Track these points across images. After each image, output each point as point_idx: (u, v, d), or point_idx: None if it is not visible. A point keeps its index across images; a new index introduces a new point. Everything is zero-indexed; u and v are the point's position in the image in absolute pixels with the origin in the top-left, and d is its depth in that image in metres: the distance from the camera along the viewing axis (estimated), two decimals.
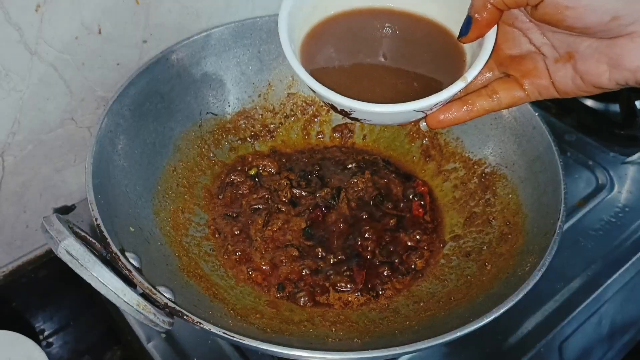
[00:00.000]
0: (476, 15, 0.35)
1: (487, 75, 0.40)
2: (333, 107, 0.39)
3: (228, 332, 0.42)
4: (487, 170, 0.63)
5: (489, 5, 0.34)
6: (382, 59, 0.43)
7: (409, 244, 0.61)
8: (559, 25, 0.33)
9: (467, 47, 0.41)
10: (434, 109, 0.39)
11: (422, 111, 0.39)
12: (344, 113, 0.39)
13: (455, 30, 0.39)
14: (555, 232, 0.49)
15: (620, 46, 0.32)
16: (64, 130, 0.64)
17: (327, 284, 0.56)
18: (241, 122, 0.69)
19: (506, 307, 0.44)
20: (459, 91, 0.38)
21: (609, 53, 0.33)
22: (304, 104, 0.71)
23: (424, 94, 0.38)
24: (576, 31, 0.33)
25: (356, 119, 0.40)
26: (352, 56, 0.43)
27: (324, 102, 0.40)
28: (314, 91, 0.39)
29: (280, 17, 0.40)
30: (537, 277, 0.46)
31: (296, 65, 0.39)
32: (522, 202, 0.58)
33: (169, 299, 0.44)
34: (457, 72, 0.40)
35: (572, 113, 0.83)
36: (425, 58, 0.43)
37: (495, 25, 0.37)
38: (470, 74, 0.37)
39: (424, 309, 0.53)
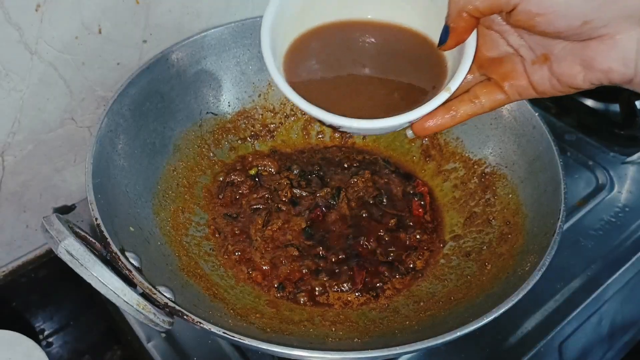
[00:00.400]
0: (453, 24, 0.36)
1: (469, 77, 0.41)
2: (321, 121, 0.40)
3: (228, 332, 0.42)
4: (487, 170, 0.63)
5: (464, 13, 0.35)
6: (367, 72, 0.43)
7: (409, 244, 0.61)
8: (532, 30, 0.34)
9: (448, 54, 0.41)
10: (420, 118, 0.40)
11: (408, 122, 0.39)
12: (332, 127, 0.40)
13: (436, 39, 0.40)
14: (555, 232, 0.49)
15: (592, 48, 0.33)
16: (64, 130, 0.64)
17: (327, 284, 0.56)
18: (241, 122, 0.69)
19: (506, 307, 0.44)
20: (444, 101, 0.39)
21: (581, 55, 0.34)
22: None
23: (410, 104, 0.39)
24: (549, 35, 0.34)
25: (345, 132, 0.40)
26: (337, 70, 0.43)
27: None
28: (302, 109, 0.39)
29: (263, 36, 0.40)
30: (537, 277, 0.46)
31: (283, 85, 0.39)
32: (522, 202, 0.58)
33: (169, 298, 0.44)
34: (440, 79, 0.41)
35: (572, 113, 0.83)
36: (408, 68, 0.43)
37: (475, 34, 0.38)
38: (454, 84, 0.38)
39: (424, 308, 0.53)
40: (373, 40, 0.44)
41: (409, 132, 0.42)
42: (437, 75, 0.41)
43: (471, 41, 0.38)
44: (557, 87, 0.37)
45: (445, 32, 0.37)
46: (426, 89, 0.41)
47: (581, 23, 0.32)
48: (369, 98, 0.42)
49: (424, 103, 0.38)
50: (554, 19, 0.32)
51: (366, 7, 0.44)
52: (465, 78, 0.38)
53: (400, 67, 0.43)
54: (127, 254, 0.46)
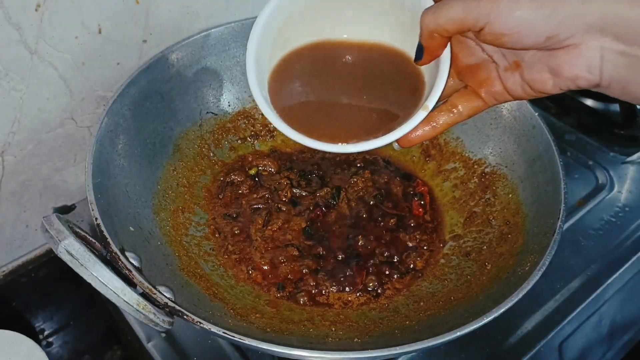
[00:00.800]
0: (425, 43, 0.39)
1: (450, 82, 0.43)
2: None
3: (228, 332, 0.42)
4: (487, 170, 0.63)
5: (435, 34, 0.37)
6: (348, 93, 0.44)
7: (409, 244, 0.61)
8: (502, 46, 0.37)
9: (425, 68, 0.43)
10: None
11: None
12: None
13: (412, 53, 0.41)
14: (555, 231, 0.49)
15: (559, 57, 0.35)
16: (64, 130, 0.64)
17: (327, 284, 0.56)
18: (241, 121, 0.69)
19: (506, 307, 0.44)
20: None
21: (550, 63, 0.36)
22: None
23: (392, 122, 0.41)
24: (518, 49, 0.37)
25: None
26: (320, 93, 0.45)
27: None
28: (294, 140, 0.41)
29: (248, 67, 0.41)
30: (537, 277, 0.46)
31: (274, 118, 0.41)
32: (522, 201, 0.58)
33: (169, 298, 0.44)
34: (418, 94, 0.42)
35: (572, 113, 0.83)
36: (387, 86, 0.44)
37: (449, 50, 0.39)
38: (431, 102, 0.40)
39: (424, 308, 0.53)
40: (352, 59, 0.45)
41: (395, 145, 0.44)
42: (415, 91, 0.43)
43: (445, 56, 0.39)
44: (529, 92, 0.39)
45: (420, 50, 0.40)
46: (406, 105, 0.43)
47: (545, 38, 0.34)
48: (352, 119, 0.43)
49: (405, 121, 0.40)
50: (520, 37, 0.34)
51: (343, 27, 0.45)
52: (443, 91, 0.40)
53: (380, 86, 0.44)
54: (127, 253, 0.46)
